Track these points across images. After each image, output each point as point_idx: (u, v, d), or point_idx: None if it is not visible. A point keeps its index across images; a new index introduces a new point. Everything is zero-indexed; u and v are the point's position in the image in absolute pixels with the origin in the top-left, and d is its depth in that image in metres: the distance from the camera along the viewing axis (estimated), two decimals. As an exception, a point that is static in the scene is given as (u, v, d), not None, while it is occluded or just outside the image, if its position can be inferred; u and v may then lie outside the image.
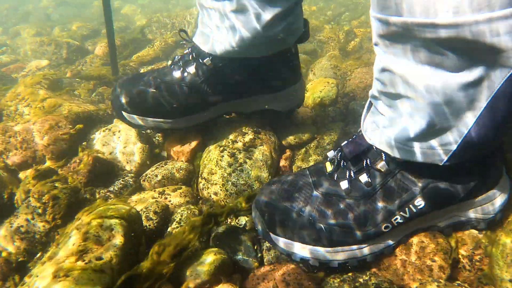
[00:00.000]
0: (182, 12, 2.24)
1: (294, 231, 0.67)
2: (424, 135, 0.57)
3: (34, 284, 0.59)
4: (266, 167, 0.89)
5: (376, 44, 0.58)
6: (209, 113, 0.97)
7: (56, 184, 0.87)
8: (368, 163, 0.66)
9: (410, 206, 0.64)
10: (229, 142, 0.94)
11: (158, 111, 0.94)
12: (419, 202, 0.64)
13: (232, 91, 0.94)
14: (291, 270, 0.65)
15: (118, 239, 0.64)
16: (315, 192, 0.69)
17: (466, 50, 0.48)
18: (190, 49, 0.95)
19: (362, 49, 1.72)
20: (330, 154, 0.72)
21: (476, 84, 0.50)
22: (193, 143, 0.98)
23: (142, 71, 1.63)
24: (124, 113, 0.96)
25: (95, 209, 0.69)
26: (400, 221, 0.65)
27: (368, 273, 0.67)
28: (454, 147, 0.56)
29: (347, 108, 1.16)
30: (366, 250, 0.66)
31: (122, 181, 0.94)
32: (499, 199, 0.67)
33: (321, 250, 0.66)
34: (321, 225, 0.66)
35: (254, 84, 0.94)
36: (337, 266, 0.66)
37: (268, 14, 0.82)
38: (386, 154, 0.64)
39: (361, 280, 0.66)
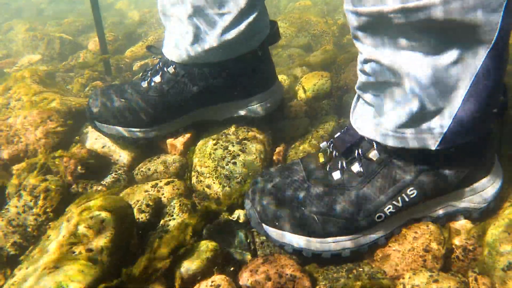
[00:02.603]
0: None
1: (287, 221, 0.66)
2: (415, 120, 0.57)
3: (24, 277, 0.58)
4: (260, 160, 0.89)
5: (355, 38, 0.58)
6: (179, 122, 0.96)
7: (48, 178, 0.86)
8: (360, 153, 0.65)
9: (403, 195, 0.64)
10: (222, 135, 0.93)
11: (128, 120, 0.93)
12: (412, 191, 0.63)
13: (198, 98, 0.92)
14: (284, 262, 0.65)
15: (109, 231, 0.63)
16: (307, 183, 0.68)
17: (442, 31, 0.48)
18: (159, 59, 0.94)
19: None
20: (323, 145, 0.71)
21: (458, 63, 0.51)
22: (186, 136, 0.97)
23: (135, 66, 1.62)
24: (96, 122, 0.96)
25: (86, 201, 0.68)
26: (393, 210, 0.64)
27: (361, 264, 0.67)
28: (445, 129, 0.56)
29: (341, 101, 1.15)
30: (359, 240, 0.66)
31: (115, 174, 0.93)
32: (491, 188, 0.67)
33: (314, 241, 0.66)
34: (314, 216, 0.65)
35: (220, 91, 0.91)
36: (330, 257, 0.66)
37: (223, 16, 0.80)
38: (377, 143, 0.63)
39: (354, 271, 0.66)
